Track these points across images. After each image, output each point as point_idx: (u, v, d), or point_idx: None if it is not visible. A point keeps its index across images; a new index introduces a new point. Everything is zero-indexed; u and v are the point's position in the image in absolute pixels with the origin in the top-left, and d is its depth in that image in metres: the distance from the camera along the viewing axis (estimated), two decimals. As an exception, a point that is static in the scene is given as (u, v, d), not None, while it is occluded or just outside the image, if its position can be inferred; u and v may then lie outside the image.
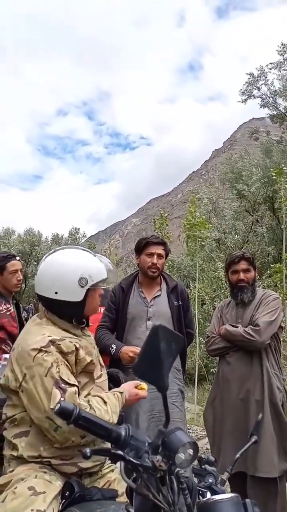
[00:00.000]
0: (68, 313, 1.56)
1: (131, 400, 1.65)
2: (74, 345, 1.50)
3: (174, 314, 2.52)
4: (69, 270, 1.52)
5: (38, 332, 1.50)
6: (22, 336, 1.55)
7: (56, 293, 1.51)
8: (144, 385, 1.68)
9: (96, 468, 1.53)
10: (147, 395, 1.69)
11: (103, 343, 2.45)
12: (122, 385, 1.69)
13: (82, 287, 1.53)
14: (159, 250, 2.53)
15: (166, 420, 1.04)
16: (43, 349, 1.41)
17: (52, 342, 1.44)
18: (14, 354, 1.49)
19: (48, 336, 1.46)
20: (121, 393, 1.59)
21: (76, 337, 1.55)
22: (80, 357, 1.50)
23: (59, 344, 1.45)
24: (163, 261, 2.57)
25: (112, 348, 2.42)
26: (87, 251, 1.65)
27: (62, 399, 1.33)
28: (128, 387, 1.67)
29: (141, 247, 2.57)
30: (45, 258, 1.60)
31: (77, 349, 1.50)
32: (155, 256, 2.51)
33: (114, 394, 1.56)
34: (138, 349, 2.35)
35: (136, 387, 1.68)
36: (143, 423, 2.34)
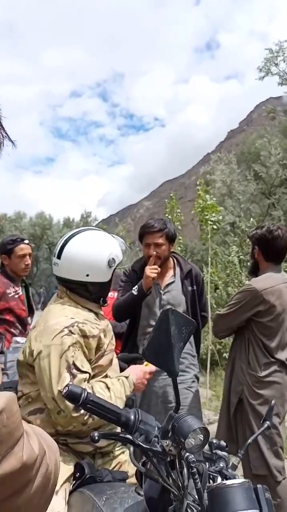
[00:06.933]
0: (96, 293, 1.57)
1: (141, 382, 1.59)
2: (97, 329, 1.49)
3: (188, 300, 2.43)
4: (100, 252, 1.53)
5: (61, 313, 1.48)
6: (45, 315, 1.53)
7: (87, 275, 1.51)
8: None
9: (110, 447, 1.54)
10: (155, 368, 1.58)
11: (124, 299, 2.38)
12: (127, 369, 1.63)
13: (110, 267, 1.55)
14: (156, 239, 2.35)
15: (177, 405, 1.03)
16: (65, 329, 1.40)
17: (75, 324, 1.43)
18: (35, 331, 1.49)
19: (71, 318, 1.45)
20: (126, 377, 1.54)
21: (97, 320, 1.54)
22: (102, 341, 1.50)
23: (82, 327, 1.44)
24: (164, 248, 2.37)
25: (134, 290, 2.35)
26: (105, 232, 1.64)
27: (70, 383, 1.32)
28: (134, 370, 1.60)
29: (139, 236, 2.45)
30: (66, 242, 1.53)
31: (99, 333, 1.49)
32: (152, 246, 2.36)
33: (119, 379, 1.52)
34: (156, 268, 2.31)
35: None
36: (156, 407, 2.31)
